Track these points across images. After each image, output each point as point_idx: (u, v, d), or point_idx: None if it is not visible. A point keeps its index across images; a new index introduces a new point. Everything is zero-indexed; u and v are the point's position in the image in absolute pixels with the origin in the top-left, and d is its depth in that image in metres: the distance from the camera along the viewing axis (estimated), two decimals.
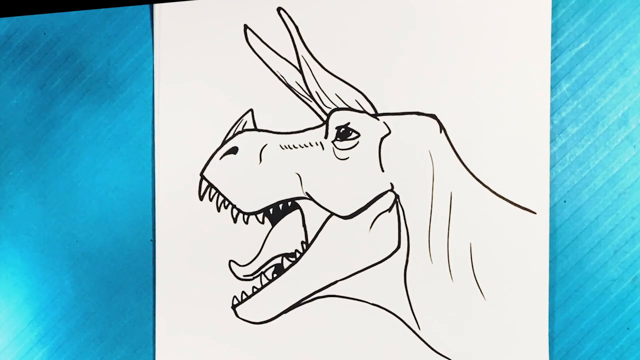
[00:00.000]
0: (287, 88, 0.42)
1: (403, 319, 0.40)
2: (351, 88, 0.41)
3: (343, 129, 0.41)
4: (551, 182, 0.39)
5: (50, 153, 0.45)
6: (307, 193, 0.41)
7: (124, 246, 0.44)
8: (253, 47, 0.42)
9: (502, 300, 0.39)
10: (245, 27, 0.42)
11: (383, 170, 0.40)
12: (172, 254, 0.43)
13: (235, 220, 0.42)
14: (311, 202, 0.41)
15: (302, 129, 0.42)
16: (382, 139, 0.41)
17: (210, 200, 0.42)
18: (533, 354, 0.38)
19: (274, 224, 0.42)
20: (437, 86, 0.40)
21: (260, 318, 0.42)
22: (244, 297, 0.42)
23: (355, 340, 0.41)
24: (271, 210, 0.42)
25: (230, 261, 0.42)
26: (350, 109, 0.41)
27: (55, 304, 0.44)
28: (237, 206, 0.42)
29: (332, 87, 0.41)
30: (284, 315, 0.42)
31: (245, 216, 0.42)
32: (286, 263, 0.42)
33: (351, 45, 0.41)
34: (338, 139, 0.41)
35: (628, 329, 0.38)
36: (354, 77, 0.41)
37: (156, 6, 0.43)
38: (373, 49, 0.41)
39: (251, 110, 0.42)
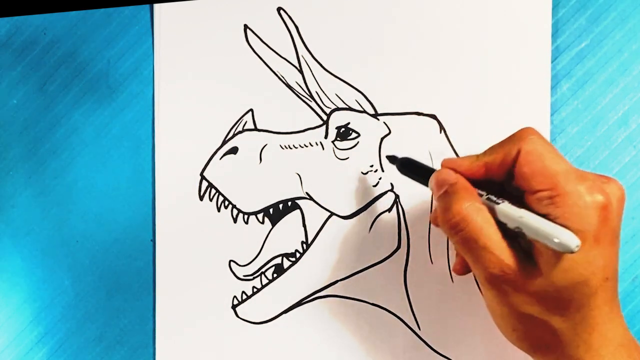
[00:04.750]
0: (287, 88, 0.42)
1: (403, 319, 0.40)
2: (351, 88, 0.41)
3: (343, 129, 0.41)
4: None
5: (50, 153, 0.45)
6: (307, 193, 0.41)
7: (124, 246, 0.44)
8: (253, 47, 0.42)
9: None
10: (245, 27, 0.42)
11: (383, 170, 0.40)
12: (172, 254, 0.43)
13: (235, 220, 0.42)
14: (311, 202, 0.41)
15: (302, 129, 0.42)
16: (382, 139, 0.41)
17: (210, 200, 0.42)
18: None
19: (274, 224, 0.42)
20: (437, 86, 0.40)
21: (260, 318, 0.42)
22: (244, 297, 0.42)
23: (356, 340, 0.41)
24: (271, 210, 0.42)
25: (230, 261, 0.42)
26: (350, 109, 0.41)
27: (55, 304, 0.44)
28: (237, 206, 0.42)
29: (332, 87, 0.41)
30: (284, 315, 0.42)
31: (245, 216, 0.42)
32: (286, 263, 0.42)
33: (351, 45, 0.41)
34: (338, 139, 0.41)
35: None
36: (354, 77, 0.41)
37: (156, 6, 0.43)
38: (373, 49, 0.41)
39: (251, 110, 0.42)
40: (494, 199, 0.30)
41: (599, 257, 0.27)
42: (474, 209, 0.29)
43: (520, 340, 0.31)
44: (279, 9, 0.42)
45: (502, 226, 0.29)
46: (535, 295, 0.28)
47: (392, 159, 0.39)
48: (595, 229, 0.27)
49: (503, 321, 0.31)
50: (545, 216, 0.28)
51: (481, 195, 0.31)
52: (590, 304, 0.28)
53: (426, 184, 0.34)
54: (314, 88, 0.41)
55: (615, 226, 0.28)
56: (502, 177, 0.31)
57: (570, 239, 0.26)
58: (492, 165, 0.31)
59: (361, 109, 0.41)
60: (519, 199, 0.30)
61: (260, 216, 0.42)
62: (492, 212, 0.30)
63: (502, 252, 0.29)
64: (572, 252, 0.26)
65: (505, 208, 0.29)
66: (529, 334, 0.30)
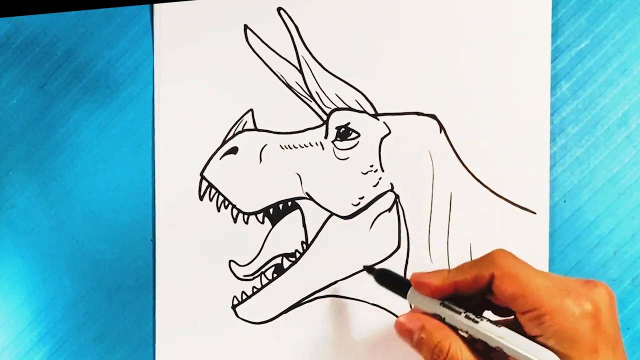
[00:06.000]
0: (287, 88, 0.42)
1: None
2: (351, 88, 0.41)
3: (343, 129, 0.41)
4: (551, 182, 0.39)
5: (50, 153, 0.45)
6: (307, 193, 0.41)
7: (124, 246, 0.44)
8: (253, 47, 0.42)
9: None
10: (245, 27, 0.42)
11: (383, 170, 0.40)
12: (172, 254, 0.43)
13: (235, 220, 0.42)
14: (311, 202, 0.41)
15: (302, 129, 0.42)
16: (382, 139, 0.41)
17: (210, 200, 0.42)
18: None
19: (274, 224, 0.42)
20: (437, 86, 0.40)
21: (260, 318, 0.42)
22: (244, 297, 0.42)
23: (356, 340, 0.41)
24: (271, 210, 0.42)
25: (230, 261, 0.42)
26: (350, 109, 0.41)
27: (55, 304, 0.44)
28: (237, 206, 0.42)
29: (332, 87, 0.41)
30: (284, 315, 0.42)
31: (245, 216, 0.42)
32: (286, 263, 0.42)
33: (351, 46, 0.41)
34: (338, 139, 0.41)
35: (628, 328, 0.38)
36: (354, 77, 0.41)
37: (156, 6, 0.43)
38: (373, 49, 0.41)
39: (251, 110, 0.42)
40: (473, 317, 0.30)
41: None
42: (457, 348, 0.29)
43: None
44: (279, 9, 0.42)
45: (477, 343, 0.29)
46: None
47: (369, 269, 0.38)
48: (591, 339, 0.26)
49: None
50: (537, 336, 0.28)
51: (459, 313, 0.30)
52: None
53: (403, 296, 0.34)
54: (314, 88, 0.41)
55: (612, 331, 0.27)
56: (473, 294, 0.30)
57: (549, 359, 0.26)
58: (463, 285, 0.30)
59: (361, 109, 0.41)
60: (493, 309, 0.30)
61: (260, 216, 0.42)
62: (470, 330, 0.29)
63: None
64: None
65: (486, 327, 0.29)
66: None
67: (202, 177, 0.43)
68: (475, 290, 0.30)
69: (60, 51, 0.45)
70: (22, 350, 0.45)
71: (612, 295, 0.28)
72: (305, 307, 0.41)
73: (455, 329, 0.30)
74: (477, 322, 0.29)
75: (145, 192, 0.44)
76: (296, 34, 0.42)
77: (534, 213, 0.38)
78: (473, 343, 0.30)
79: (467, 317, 0.30)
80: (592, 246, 0.38)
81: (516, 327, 0.29)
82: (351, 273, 0.41)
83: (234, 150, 0.42)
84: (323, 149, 0.41)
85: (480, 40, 0.40)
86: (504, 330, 0.28)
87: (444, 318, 0.31)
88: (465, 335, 0.30)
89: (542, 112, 0.39)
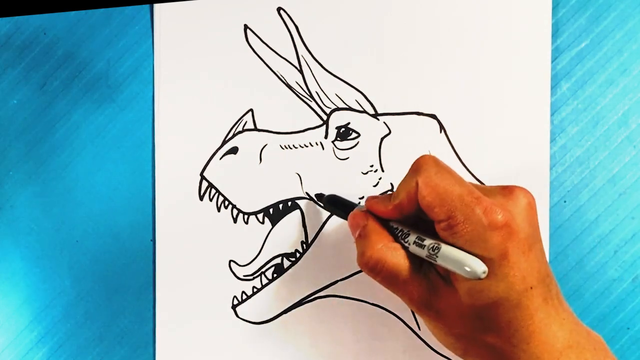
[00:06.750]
0: (287, 88, 0.42)
1: (403, 319, 0.40)
2: (351, 88, 0.41)
3: (343, 129, 0.41)
4: (551, 182, 0.39)
5: (50, 153, 0.45)
6: (307, 193, 0.41)
7: (124, 246, 0.44)
8: (253, 47, 0.42)
9: None
10: (245, 27, 0.42)
11: (383, 170, 0.40)
12: (172, 254, 0.43)
13: (235, 220, 0.42)
14: (311, 202, 0.41)
15: (302, 129, 0.42)
16: (382, 139, 0.41)
17: (210, 200, 0.42)
18: None
19: (274, 224, 0.42)
20: (437, 86, 0.40)
21: (260, 318, 0.42)
22: (244, 297, 0.42)
23: (355, 340, 0.41)
24: (271, 210, 0.42)
25: (230, 261, 0.42)
26: (350, 109, 0.41)
27: (55, 304, 0.44)
28: (237, 206, 0.42)
29: (332, 87, 0.41)
30: (284, 315, 0.42)
31: (245, 216, 0.42)
32: (286, 263, 0.42)
33: (351, 45, 0.41)
34: (338, 139, 0.41)
35: (628, 329, 0.38)
36: (354, 77, 0.41)
37: (156, 6, 0.43)
38: (373, 49, 0.41)
39: (251, 110, 0.42)
40: (405, 231, 0.30)
41: (513, 270, 0.27)
42: (386, 250, 0.30)
43: (465, 356, 0.30)
44: (279, 9, 0.42)
45: (417, 256, 0.30)
46: (461, 317, 0.28)
47: (319, 197, 0.40)
48: (501, 248, 0.27)
49: (444, 341, 0.31)
50: (452, 245, 0.28)
51: (396, 229, 0.31)
52: (518, 316, 0.27)
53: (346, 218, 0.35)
54: (314, 88, 0.41)
55: (526, 235, 0.27)
56: (415, 211, 0.30)
57: (476, 266, 0.26)
58: (402, 206, 0.31)
59: (361, 109, 0.41)
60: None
61: (260, 216, 0.42)
62: (406, 244, 0.30)
63: (421, 283, 0.29)
64: (480, 278, 0.26)
65: (415, 240, 0.29)
66: (470, 351, 0.30)
67: (202, 177, 0.43)
68: (415, 207, 0.30)
69: (60, 51, 0.45)
70: (22, 350, 0.45)
71: (530, 199, 0.28)
72: (305, 307, 0.41)
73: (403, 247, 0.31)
74: (408, 235, 0.30)
75: (145, 192, 0.44)
76: (296, 34, 0.42)
77: None
78: (414, 258, 0.30)
79: (401, 232, 0.30)
80: (592, 246, 0.38)
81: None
82: (351, 273, 0.41)
83: (234, 150, 0.42)
84: (323, 149, 0.41)
85: (480, 40, 0.40)
86: (432, 242, 0.29)
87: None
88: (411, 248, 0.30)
89: (542, 112, 0.39)
